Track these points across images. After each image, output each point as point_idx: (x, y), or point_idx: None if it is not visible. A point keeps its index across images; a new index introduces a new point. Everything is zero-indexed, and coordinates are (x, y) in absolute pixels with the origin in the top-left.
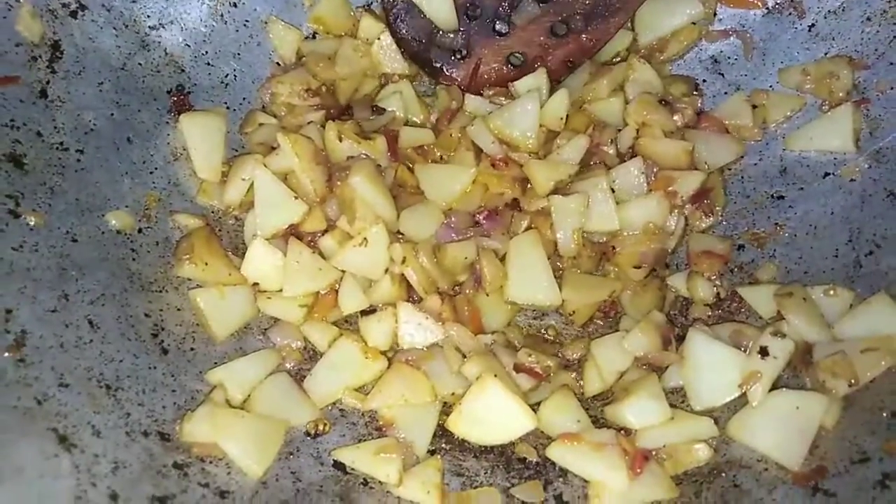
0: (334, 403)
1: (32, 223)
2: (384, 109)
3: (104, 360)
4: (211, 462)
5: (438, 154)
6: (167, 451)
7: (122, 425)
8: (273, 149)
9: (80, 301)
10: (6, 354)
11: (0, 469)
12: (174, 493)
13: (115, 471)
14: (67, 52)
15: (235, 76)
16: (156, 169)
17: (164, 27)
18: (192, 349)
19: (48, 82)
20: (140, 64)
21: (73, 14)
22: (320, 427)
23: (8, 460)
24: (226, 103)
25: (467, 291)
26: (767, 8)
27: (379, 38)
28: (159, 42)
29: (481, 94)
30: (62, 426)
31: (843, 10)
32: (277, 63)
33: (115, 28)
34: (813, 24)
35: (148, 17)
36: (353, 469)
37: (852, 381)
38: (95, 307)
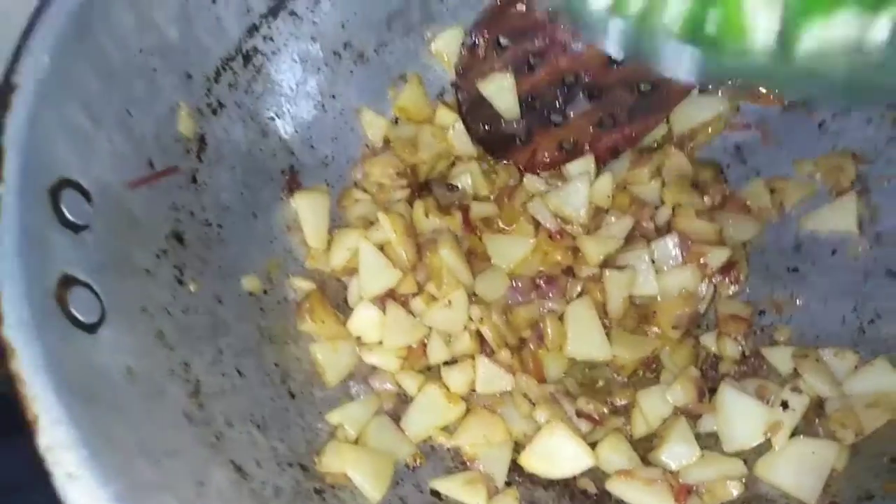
0: (425, 440)
1: (192, 289)
2: (457, 187)
3: (252, 403)
4: (339, 489)
5: (501, 225)
6: (308, 479)
7: (272, 458)
8: (371, 223)
9: (230, 354)
10: (191, 399)
11: (207, 489)
12: None
13: (277, 495)
14: (210, 143)
15: (333, 157)
16: (274, 239)
17: (279, 118)
18: (311, 393)
19: (197, 170)
20: (261, 149)
21: (214, 112)
22: (417, 461)
23: (212, 484)
24: (325, 180)
25: (531, 346)
26: (784, 105)
27: (454, 126)
28: (276, 130)
29: (538, 174)
30: (235, 458)
31: (848, 112)
32: (366, 145)
33: (243, 121)
34: (822, 122)
35: (268, 110)
36: (447, 497)
37: (858, 431)
38: (240, 358)
